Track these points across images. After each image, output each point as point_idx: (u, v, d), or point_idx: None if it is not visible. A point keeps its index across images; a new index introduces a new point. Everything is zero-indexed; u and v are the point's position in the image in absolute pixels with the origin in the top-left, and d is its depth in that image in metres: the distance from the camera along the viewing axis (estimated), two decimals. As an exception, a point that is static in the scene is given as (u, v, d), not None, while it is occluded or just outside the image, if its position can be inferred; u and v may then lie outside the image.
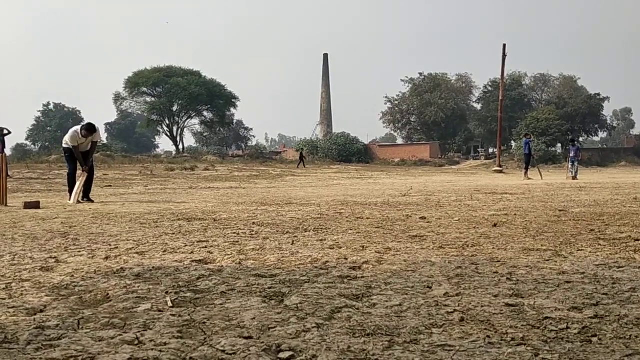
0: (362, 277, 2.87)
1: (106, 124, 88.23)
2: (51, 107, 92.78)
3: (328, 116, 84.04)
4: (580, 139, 72.98)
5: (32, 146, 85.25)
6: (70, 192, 9.58)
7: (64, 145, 9.94)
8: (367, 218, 5.97)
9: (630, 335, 1.85)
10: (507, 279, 2.77)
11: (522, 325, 1.99)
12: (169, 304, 2.35)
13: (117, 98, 66.52)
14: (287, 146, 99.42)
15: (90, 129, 9.75)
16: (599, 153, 69.07)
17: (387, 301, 2.35)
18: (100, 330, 1.99)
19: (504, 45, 38.37)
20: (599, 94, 73.42)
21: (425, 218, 5.85)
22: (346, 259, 3.43)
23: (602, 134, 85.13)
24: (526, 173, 22.97)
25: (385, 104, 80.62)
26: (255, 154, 58.64)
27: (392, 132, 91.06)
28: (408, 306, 2.27)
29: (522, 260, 3.31)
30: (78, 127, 9.94)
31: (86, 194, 9.68)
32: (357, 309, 2.24)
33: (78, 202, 9.26)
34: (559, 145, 67.65)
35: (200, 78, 63.03)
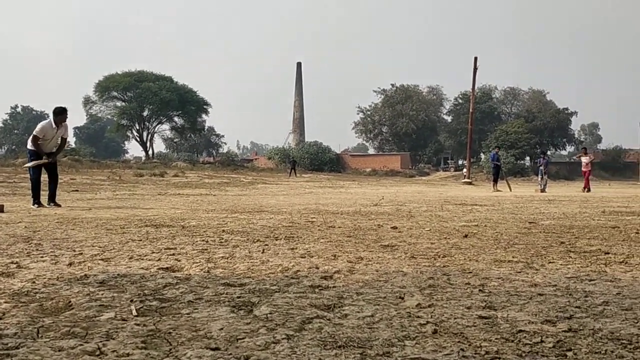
0: (334, 286, 2.82)
1: (75, 128, 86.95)
2: (19, 109, 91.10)
3: (301, 125, 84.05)
4: (549, 152, 74.36)
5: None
6: (34, 197, 9.32)
7: (28, 148, 9.64)
8: (339, 227, 5.93)
9: (606, 350, 1.83)
10: (480, 290, 2.75)
11: (496, 339, 1.96)
12: (134, 312, 2.26)
13: (87, 102, 65.44)
14: (259, 154, 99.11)
15: (60, 110, 9.42)
16: (566, 167, 70.33)
17: (359, 312, 2.30)
18: (60, 340, 1.90)
19: (475, 58, 38.92)
20: (567, 109, 75.07)
21: (397, 228, 5.83)
22: (317, 268, 3.37)
23: (570, 148, 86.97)
24: (495, 185, 23.25)
25: (358, 114, 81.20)
26: (227, 161, 58.28)
27: (364, 142, 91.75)
28: (380, 317, 2.22)
29: (494, 271, 3.29)
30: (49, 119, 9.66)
31: (52, 198, 9.47)
32: (329, 319, 2.19)
33: (43, 206, 9.05)
34: (528, 158, 68.81)
35: (171, 83, 62.51)
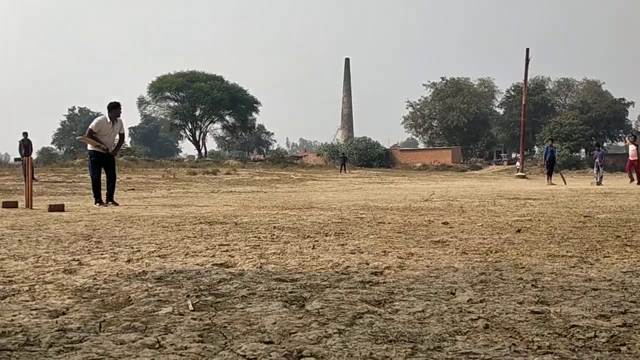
0: (384, 282, 2.84)
1: (130, 128, 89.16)
2: (76, 111, 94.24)
3: (349, 120, 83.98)
4: (605, 144, 72.03)
5: (58, 150, 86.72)
6: (96, 196, 9.64)
7: (89, 148, 9.90)
8: (389, 223, 5.93)
9: (661, 345, 1.80)
10: (532, 285, 2.72)
11: (549, 333, 1.94)
12: (190, 307, 2.34)
13: (141, 102, 67.30)
14: (308, 150, 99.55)
15: (114, 105, 9.67)
16: (623, 158, 67.83)
17: (409, 307, 2.32)
18: (121, 334, 1.99)
19: (527, 50, 38.07)
20: (623, 99, 72.44)
21: (448, 223, 5.79)
22: (367, 263, 3.40)
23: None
24: (549, 178, 22.69)
25: (407, 108, 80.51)
26: (276, 158, 58.81)
27: (414, 136, 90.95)
28: (431, 312, 2.23)
29: (547, 266, 3.24)
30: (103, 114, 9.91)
31: (110, 197, 9.73)
32: (379, 314, 2.21)
33: (103, 204, 9.34)
34: (583, 150, 66.82)
35: (222, 83, 63.56)
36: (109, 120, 9.63)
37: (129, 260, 3.57)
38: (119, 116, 9.82)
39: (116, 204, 9.58)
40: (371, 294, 2.56)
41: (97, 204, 9.39)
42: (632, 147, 21.42)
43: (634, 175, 21.03)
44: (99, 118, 9.85)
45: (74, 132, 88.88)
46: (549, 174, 22.87)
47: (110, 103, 9.73)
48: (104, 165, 9.82)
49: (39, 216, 7.11)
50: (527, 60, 37.78)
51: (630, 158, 21.41)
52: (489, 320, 2.12)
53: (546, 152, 23.53)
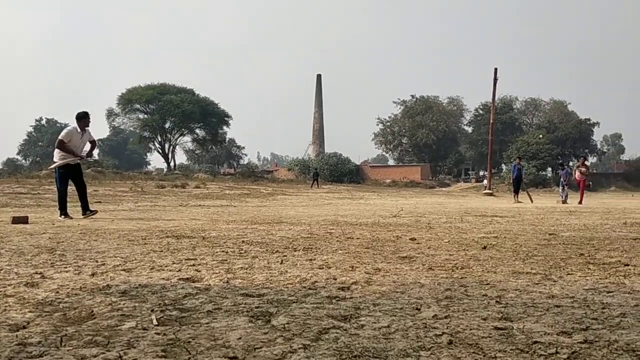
0: (351, 297, 2.85)
1: (98, 140, 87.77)
2: (43, 122, 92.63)
3: (320, 136, 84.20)
4: (571, 164, 73.59)
5: (23, 161, 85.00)
6: (61, 208, 9.48)
7: (55, 160, 9.75)
8: (357, 238, 5.95)
9: (619, 361, 1.84)
10: (497, 302, 2.75)
11: (511, 349, 1.97)
12: (154, 322, 2.31)
13: (110, 114, 66.54)
14: (279, 165, 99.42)
15: (83, 115, 9.62)
16: (589, 178, 69.43)
17: (375, 322, 2.33)
18: (82, 348, 1.95)
19: (495, 69, 38.79)
20: (589, 119, 74.19)
21: (415, 239, 5.84)
22: (335, 279, 3.40)
23: (592, 159, 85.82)
24: (516, 196, 23.06)
25: (377, 125, 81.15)
26: (247, 173, 58.61)
27: (384, 153, 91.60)
28: (396, 328, 2.25)
29: (512, 283, 3.29)
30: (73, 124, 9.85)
31: (86, 208, 9.68)
32: (345, 330, 2.22)
33: (68, 217, 9.20)
34: (549, 169, 68.12)
35: (193, 96, 63.25)
36: (78, 130, 9.60)
37: (93, 274, 3.51)
38: (88, 126, 9.80)
39: (94, 212, 9.66)
40: (337, 309, 2.56)
41: (62, 217, 9.23)
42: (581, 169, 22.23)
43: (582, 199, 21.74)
44: (68, 128, 9.80)
45: (40, 143, 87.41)
46: (516, 192, 23.25)
47: (79, 113, 9.69)
48: (72, 178, 9.72)
49: (1, 228, 6.94)
50: (495, 79, 38.49)
51: (578, 178, 22.15)
52: (453, 336, 2.13)
53: (514, 170, 23.95)
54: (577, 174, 21.99)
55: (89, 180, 24.36)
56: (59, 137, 9.60)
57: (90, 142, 9.95)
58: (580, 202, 20.76)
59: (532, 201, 22.58)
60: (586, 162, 23.52)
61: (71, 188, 9.79)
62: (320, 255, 4.50)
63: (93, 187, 21.68)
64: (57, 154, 9.70)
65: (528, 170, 54.61)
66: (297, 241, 5.61)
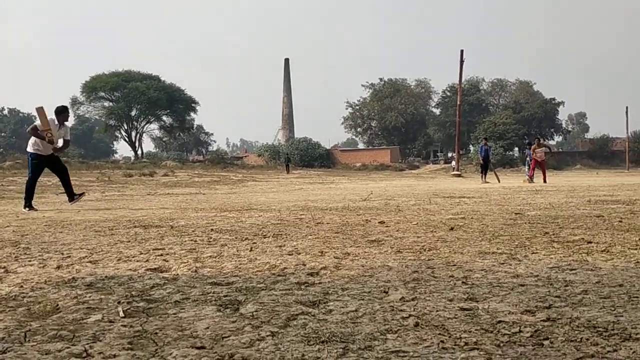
0: (320, 283, 2.86)
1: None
2: (5, 112, 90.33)
3: (290, 121, 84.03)
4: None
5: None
6: (27, 199, 9.28)
7: (29, 150, 9.57)
8: (327, 223, 5.97)
9: (581, 338, 1.89)
10: (463, 282, 2.80)
11: (476, 330, 2.00)
12: (121, 314, 2.29)
13: (74, 103, 65.19)
14: (248, 151, 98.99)
15: (62, 109, 9.56)
16: (554, 157, 70.78)
17: (343, 307, 2.34)
18: (47, 343, 1.92)
19: (462, 51, 39.06)
20: (554, 99, 75.51)
21: (384, 222, 5.88)
22: (304, 265, 3.41)
23: (558, 138, 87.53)
24: (483, 177, 23.38)
25: (347, 108, 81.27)
26: (216, 159, 58.19)
27: (354, 136, 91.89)
28: (364, 312, 2.26)
29: (478, 263, 3.34)
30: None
31: (71, 196, 9.75)
32: (313, 315, 2.23)
33: (33, 209, 9.02)
34: (516, 149, 69.17)
35: (159, 82, 62.41)
36: (56, 122, 9.47)
37: (58, 267, 3.45)
38: (67, 120, 9.72)
39: (81, 194, 9.98)
40: (306, 295, 2.57)
41: (27, 209, 9.03)
42: (539, 150, 22.28)
43: (533, 176, 21.91)
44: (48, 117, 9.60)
45: (2, 134, 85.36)
46: (484, 173, 23.54)
47: (58, 107, 9.63)
48: (49, 167, 9.66)
49: (-38, 222, 6.77)
50: (462, 61, 38.77)
51: (538, 159, 22.14)
52: (420, 318, 2.16)
53: (481, 150, 24.24)
54: (538, 155, 22.09)
55: (54, 170, 23.91)
56: (35, 123, 9.50)
57: (65, 140, 9.77)
58: (545, 181, 21.09)
59: (499, 181, 22.92)
60: (541, 141, 23.70)
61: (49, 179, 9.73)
62: (290, 242, 4.50)
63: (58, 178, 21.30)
64: (31, 143, 9.54)
65: (495, 151, 55.42)
66: (267, 228, 5.60)
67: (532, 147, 22.82)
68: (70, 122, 10.08)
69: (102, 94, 62.19)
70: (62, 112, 9.55)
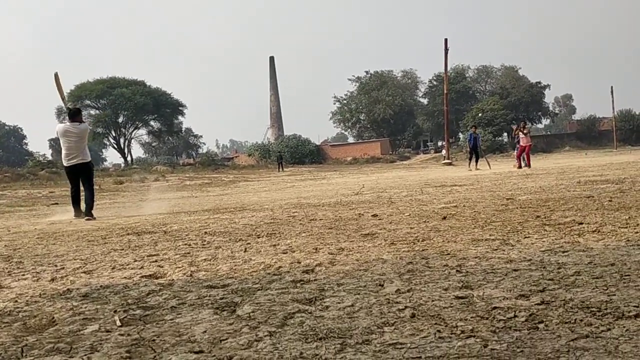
0: (315, 280, 2.87)
1: (50, 140, 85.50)
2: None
3: (278, 119, 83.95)
4: (528, 126, 75.10)
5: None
6: (76, 207, 9.29)
7: (64, 164, 9.61)
8: (320, 219, 5.98)
9: (575, 320, 1.90)
10: (457, 271, 2.81)
11: (472, 317, 2.02)
12: (118, 323, 2.29)
13: (60, 112, 64.66)
14: (239, 151, 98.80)
15: (76, 112, 9.54)
16: (543, 140, 71.24)
17: (339, 303, 2.35)
18: (44, 357, 1.92)
19: (445, 40, 39.09)
20: (539, 82, 75.76)
21: (377, 215, 5.89)
22: (299, 262, 3.42)
23: (546, 121, 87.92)
24: (471, 164, 23.30)
25: (334, 103, 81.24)
26: (207, 161, 58.01)
27: (343, 131, 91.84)
28: (360, 306, 2.27)
29: (471, 251, 3.36)
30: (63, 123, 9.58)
31: (88, 211, 9.06)
32: (310, 313, 2.23)
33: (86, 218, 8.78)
34: (505, 134, 69.39)
35: (144, 87, 62.13)
36: (69, 122, 9.43)
37: (52, 279, 3.44)
38: (82, 121, 9.74)
39: (93, 218, 8.88)
40: (302, 293, 2.58)
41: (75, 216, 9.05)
42: (522, 135, 21.39)
43: (522, 162, 21.34)
44: (58, 125, 9.69)
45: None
46: (475, 161, 23.55)
47: (71, 111, 9.64)
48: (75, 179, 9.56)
49: (-46, 240, 6.73)
50: (446, 50, 38.81)
51: (522, 144, 21.28)
52: (416, 309, 2.17)
53: (470, 138, 24.25)
54: (524, 141, 21.46)
55: (44, 181, 23.83)
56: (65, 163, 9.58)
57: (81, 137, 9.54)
58: (529, 166, 20.86)
59: (490, 167, 22.98)
60: (526, 126, 23.21)
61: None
62: (284, 240, 4.51)
63: (48, 189, 21.21)
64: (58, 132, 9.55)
65: (485, 137, 55.57)
66: (260, 227, 5.60)
67: (515, 129, 22.37)
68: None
69: (88, 102, 61.83)
70: (76, 114, 9.55)
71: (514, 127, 22.29)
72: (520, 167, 20.72)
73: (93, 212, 9.17)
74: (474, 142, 23.68)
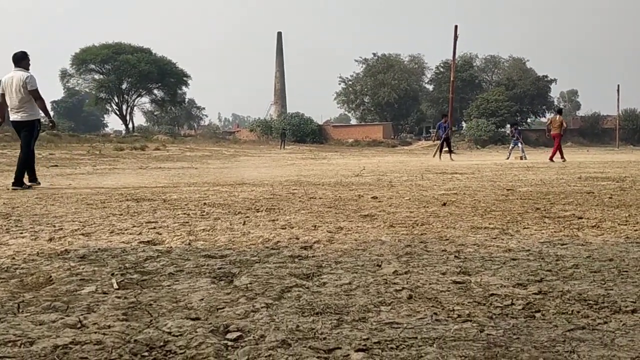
0: (313, 256, 2.87)
1: (52, 102, 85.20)
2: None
3: (282, 96, 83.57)
4: (529, 120, 75.03)
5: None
6: (31, 173, 8.08)
7: (38, 117, 8.06)
8: (320, 198, 5.97)
9: (572, 311, 1.91)
10: (455, 256, 2.81)
11: (469, 302, 2.02)
12: (115, 286, 2.29)
13: (64, 75, 64.41)
14: (240, 126, 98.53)
15: (19, 56, 7.86)
16: (546, 134, 70.97)
17: (336, 280, 2.36)
18: (41, 314, 1.92)
19: (456, 27, 38.75)
20: (546, 76, 75.33)
21: (377, 197, 5.89)
22: (298, 238, 3.42)
23: (550, 115, 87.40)
24: (437, 153, 22.36)
25: (340, 84, 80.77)
26: (208, 134, 57.97)
27: (346, 112, 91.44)
28: (357, 284, 2.28)
29: (470, 238, 3.36)
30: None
31: (32, 178, 8.09)
32: (307, 288, 2.24)
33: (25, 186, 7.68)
34: (508, 126, 69.22)
35: (150, 55, 61.64)
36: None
37: (50, 239, 3.45)
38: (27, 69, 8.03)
39: (37, 183, 8.17)
40: (300, 268, 2.58)
41: (32, 183, 8.03)
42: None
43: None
44: (33, 74, 7.95)
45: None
46: (440, 150, 22.45)
47: (18, 53, 7.95)
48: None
49: (-47, 194, 6.73)
50: (456, 37, 38.44)
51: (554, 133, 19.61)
52: (413, 290, 2.18)
53: (439, 127, 23.07)
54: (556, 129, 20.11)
55: (44, 143, 23.78)
56: (37, 87, 7.81)
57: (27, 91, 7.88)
58: (551, 159, 20.13)
59: (440, 159, 21.60)
60: (519, 128, 22.27)
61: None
62: (283, 216, 4.51)
63: (49, 151, 21.17)
64: (34, 107, 7.98)
65: (487, 128, 55.45)
66: (260, 202, 5.60)
67: (550, 119, 20.71)
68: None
69: (93, 66, 61.38)
70: (23, 58, 7.95)
71: (511, 129, 21.54)
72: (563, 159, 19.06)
73: (25, 180, 7.89)
74: (444, 131, 22.46)
